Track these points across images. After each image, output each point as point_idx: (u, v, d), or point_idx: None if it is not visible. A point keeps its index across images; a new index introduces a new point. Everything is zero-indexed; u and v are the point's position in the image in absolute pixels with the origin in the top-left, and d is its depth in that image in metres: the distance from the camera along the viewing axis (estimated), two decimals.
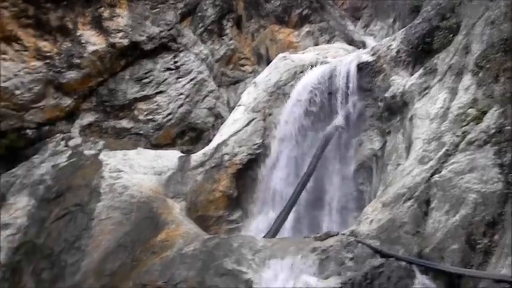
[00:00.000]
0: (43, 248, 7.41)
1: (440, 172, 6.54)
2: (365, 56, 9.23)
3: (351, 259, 6.17)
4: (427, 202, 6.45)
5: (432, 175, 6.60)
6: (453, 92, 7.35)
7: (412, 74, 8.55)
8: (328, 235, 6.73)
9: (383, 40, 9.97)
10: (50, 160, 8.68)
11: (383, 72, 8.87)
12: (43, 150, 8.87)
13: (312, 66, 9.64)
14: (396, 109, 8.42)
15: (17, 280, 7.27)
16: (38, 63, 9.02)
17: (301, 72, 9.62)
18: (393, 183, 7.16)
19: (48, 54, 9.11)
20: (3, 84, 8.72)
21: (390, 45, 9.09)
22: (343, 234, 6.74)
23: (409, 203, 6.58)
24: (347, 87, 8.95)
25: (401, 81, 8.50)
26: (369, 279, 5.83)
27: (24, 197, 8.06)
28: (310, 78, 9.31)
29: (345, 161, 8.73)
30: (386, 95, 8.60)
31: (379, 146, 8.50)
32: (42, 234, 7.56)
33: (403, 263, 5.90)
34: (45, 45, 9.13)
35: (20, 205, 7.95)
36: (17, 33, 8.92)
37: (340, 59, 9.65)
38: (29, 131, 8.96)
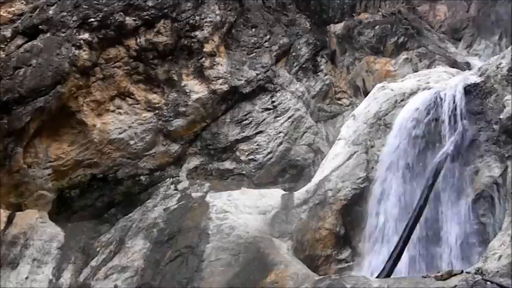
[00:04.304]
0: None
1: None
2: (472, 77, 8.64)
3: None
4: None
5: None
6: None
7: None
8: (451, 274, 6.25)
9: (490, 59, 9.29)
10: (162, 204, 9.22)
11: (494, 93, 8.22)
12: (155, 194, 9.46)
13: (413, 94, 9.25)
14: None
15: None
16: (149, 114, 9.80)
17: (402, 100, 9.25)
18: None
19: (157, 105, 9.87)
20: (119, 136, 9.59)
21: (500, 64, 8.43)
22: (468, 272, 6.18)
23: None
24: (454, 111, 8.41)
25: None
26: None
27: (140, 240, 8.58)
28: (413, 105, 8.90)
29: (459, 191, 8.06)
30: (501, 116, 7.89)
31: (499, 172, 7.72)
32: (157, 276, 7.92)
33: None
34: (154, 98, 9.90)
35: (137, 248, 8.47)
36: (130, 89, 9.81)
37: (445, 83, 9.13)
38: (142, 177, 9.65)
